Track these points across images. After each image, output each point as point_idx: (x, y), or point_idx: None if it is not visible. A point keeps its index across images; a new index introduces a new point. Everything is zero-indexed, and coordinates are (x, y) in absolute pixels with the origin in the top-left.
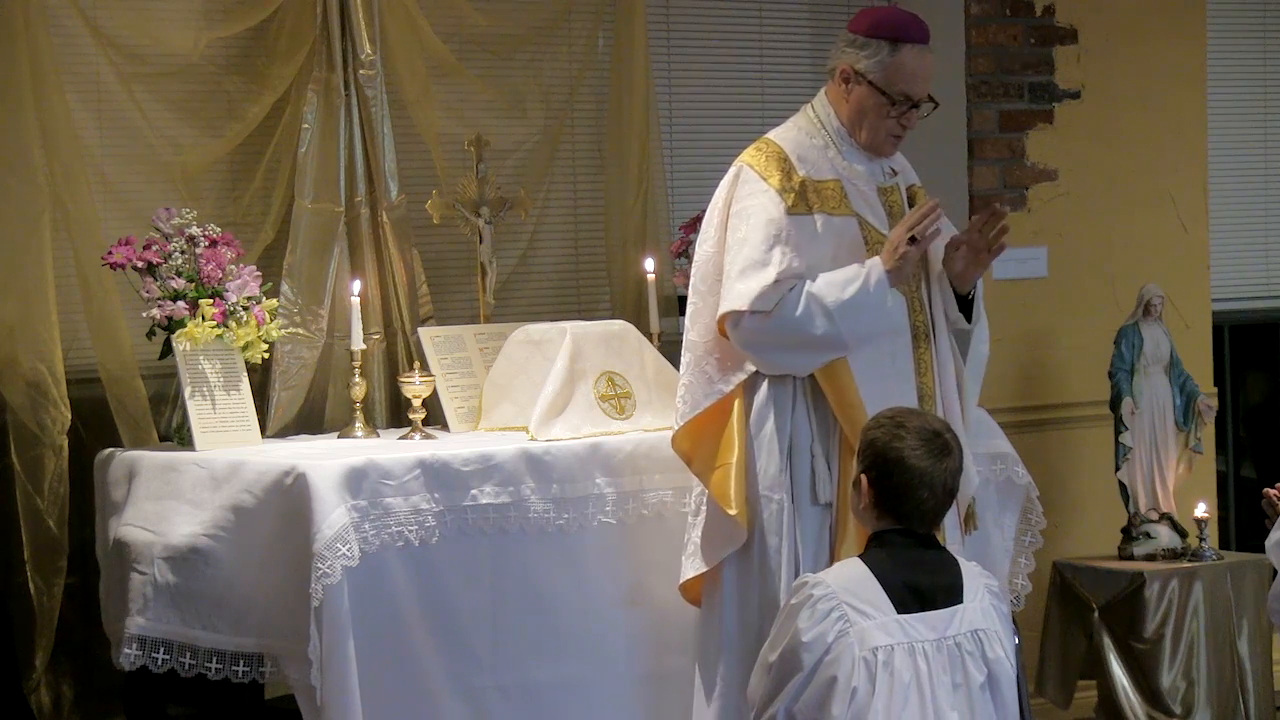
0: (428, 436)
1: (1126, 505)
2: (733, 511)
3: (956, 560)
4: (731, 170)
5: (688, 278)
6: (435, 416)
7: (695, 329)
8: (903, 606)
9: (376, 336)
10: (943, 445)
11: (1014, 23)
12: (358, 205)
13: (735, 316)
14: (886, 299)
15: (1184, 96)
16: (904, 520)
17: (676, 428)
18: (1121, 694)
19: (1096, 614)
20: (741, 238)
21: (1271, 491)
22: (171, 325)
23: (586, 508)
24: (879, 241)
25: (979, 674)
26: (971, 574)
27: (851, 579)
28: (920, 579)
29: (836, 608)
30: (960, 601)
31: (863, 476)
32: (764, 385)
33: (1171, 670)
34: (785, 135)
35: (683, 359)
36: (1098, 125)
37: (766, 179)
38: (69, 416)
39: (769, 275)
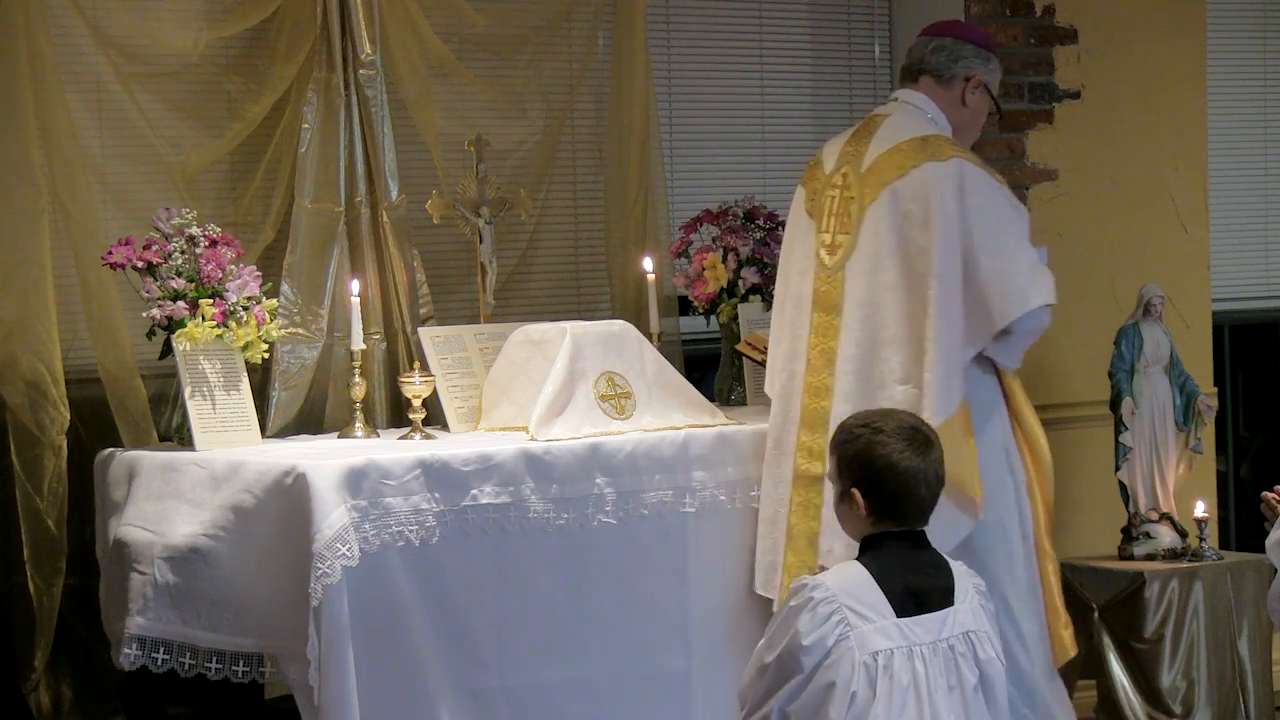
0: (428, 436)
1: (1126, 505)
2: (977, 495)
3: (947, 561)
4: (950, 166)
5: (687, 278)
6: (435, 416)
7: (947, 322)
8: (902, 609)
9: (376, 336)
10: (924, 439)
11: (1014, 23)
12: (358, 205)
13: (1044, 310)
14: None
15: (1184, 96)
16: (904, 521)
17: (944, 419)
18: (1121, 694)
19: (1096, 614)
20: (1016, 233)
21: (1270, 495)
22: (171, 325)
23: (586, 508)
24: None
25: (972, 676)
26: (960, 575)
27: (851, 581)
28: (918, 581)
29: (837, 611)
30: (952, 603)
31: (854, 491)
32: (981, 378)
33: (1171, 670)
34: (947, 134)
35: (930, 355)
36: (1098, 125)
37: (995, 177)
38: (68, 416)
39: (1049, 271)
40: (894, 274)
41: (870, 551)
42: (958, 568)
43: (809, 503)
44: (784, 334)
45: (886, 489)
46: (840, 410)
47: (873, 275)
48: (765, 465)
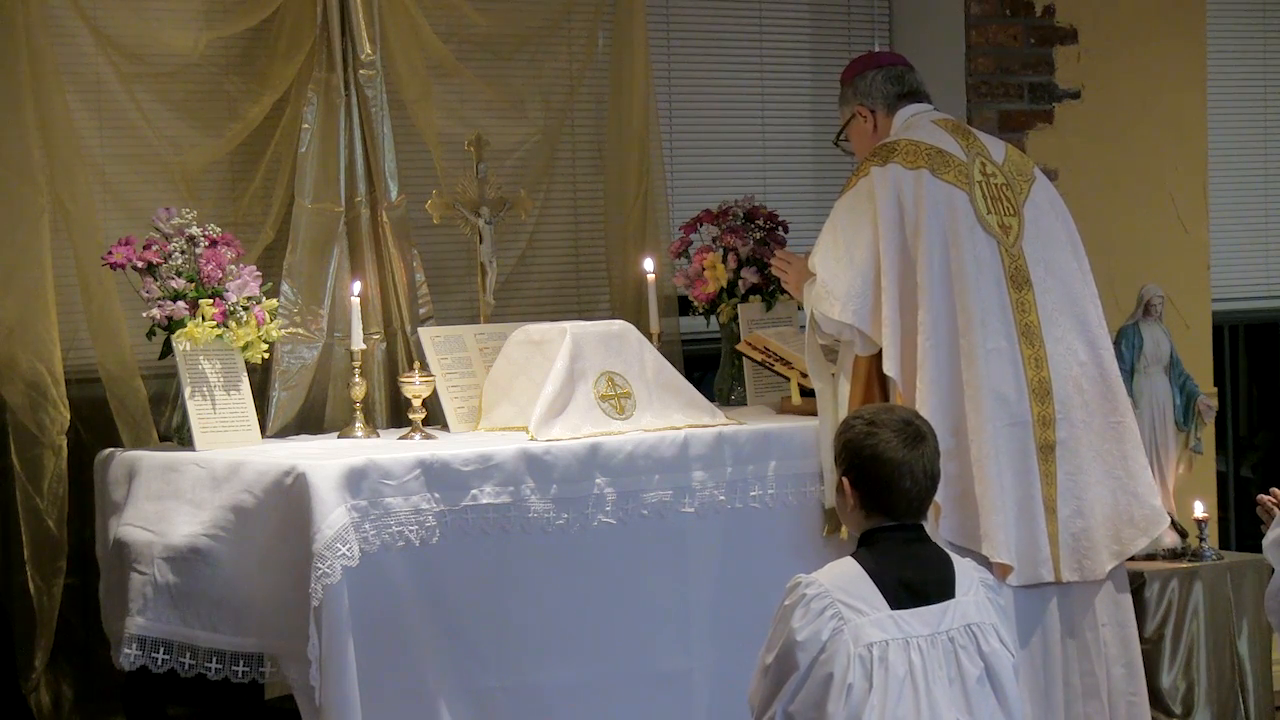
0: (428, 436)
1: None
2: None
3: (947, 554)
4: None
5: (687, 278)
6: (435, 416)
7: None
8: (896, 602)
9: (376, 336)
10: (916, 432)
11: (1014, 23)
12: (358, 205)
13: None
14: None
15: (1184, 96)
16: (893, 514)
17: None
18: None
19: None
20: None
21: (1268, 499)
22: (171, 325)
23: (586, 508)
24: None
25: (974, 668)
26: (964, 568)
27: (844, 577)
28: (913, 574)
29: (830, 606)
30: (952, 595)
31: (844, 480)
32: None
33: (1171, 670)
34: None
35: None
36: (1098, 125)
37: None
38: (68, 416)
39: None
40: (1067, 251)
41: (864, 547)
42: (961, 562)
43: (1049, 472)
44: (963, 303)
45: (872, 479)
46: (1055, 380)
47: (1049, 252)
48: (989, 449)
